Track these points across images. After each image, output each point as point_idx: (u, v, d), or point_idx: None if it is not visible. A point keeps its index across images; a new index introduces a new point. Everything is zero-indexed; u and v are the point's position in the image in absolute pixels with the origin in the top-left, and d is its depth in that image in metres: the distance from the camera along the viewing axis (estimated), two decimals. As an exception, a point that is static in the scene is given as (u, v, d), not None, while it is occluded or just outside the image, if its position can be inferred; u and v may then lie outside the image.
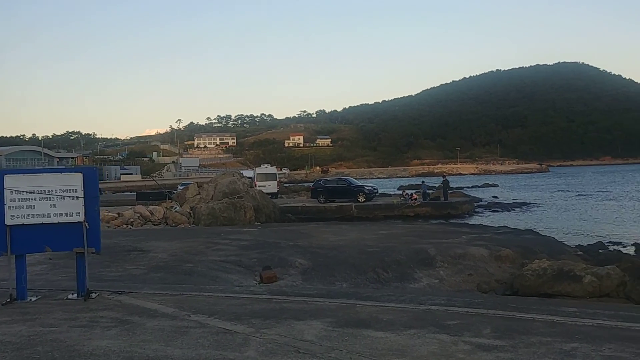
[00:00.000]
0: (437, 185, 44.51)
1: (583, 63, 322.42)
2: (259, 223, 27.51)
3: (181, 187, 40.74)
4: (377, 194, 40.11)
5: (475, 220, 33.60)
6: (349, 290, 10.30)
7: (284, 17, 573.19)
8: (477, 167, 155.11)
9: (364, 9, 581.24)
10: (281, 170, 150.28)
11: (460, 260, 14.76)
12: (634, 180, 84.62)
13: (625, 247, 20.73)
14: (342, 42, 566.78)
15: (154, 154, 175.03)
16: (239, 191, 30.16)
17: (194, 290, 8.54)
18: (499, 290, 13.25)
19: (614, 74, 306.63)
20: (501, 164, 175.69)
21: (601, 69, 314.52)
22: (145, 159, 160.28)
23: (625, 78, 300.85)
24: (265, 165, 52.92)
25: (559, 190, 63.74)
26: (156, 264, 13.54)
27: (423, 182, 40.58)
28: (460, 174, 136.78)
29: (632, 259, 14.85)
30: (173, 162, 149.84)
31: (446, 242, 16.65)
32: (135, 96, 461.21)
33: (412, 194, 38.00)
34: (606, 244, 20.99)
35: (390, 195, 46.38)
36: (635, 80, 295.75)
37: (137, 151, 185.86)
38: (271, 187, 44.27)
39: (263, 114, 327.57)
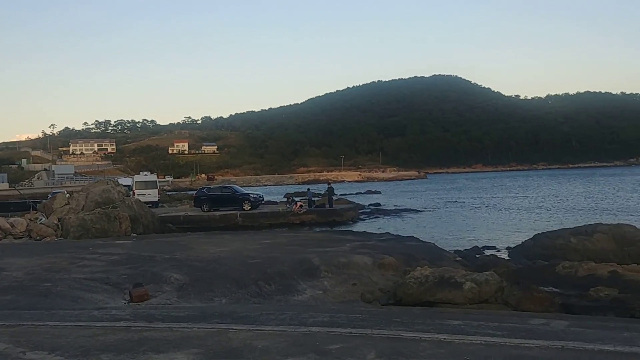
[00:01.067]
0: (322, 193, 44.58)
1: (456, 76, 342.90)
2: (135, 235, 25.77)
3: (51, 197, 37.67)
4: (263, 202, 39.44)
5: (359, 227, 33.89)
6: (226, 310, 9.48)
7: (165, 23, 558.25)
8: (360, 175, 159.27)
9: (250, 17, 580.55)
10: (164, 177, 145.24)
11: (344, 269, 14.41)
12: (504, 186, 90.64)
13: (499, 251, 21.55)
14: (227, 49, 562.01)
15: (24, 160, 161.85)
16: (114, 200, 28.15)
17: (39, 318, 7.32)
18: (382, 299, 13.00)
19: (484, 87, 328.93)
20: (383, 172, 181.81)
21: (472, 82, 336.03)
22: (13, 166, 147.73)
23: (494, 91, 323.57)
24: (145, 172, 50.44)
25: (439, 198, 66.42)
26: (8, 284, 11.94)
27: (308, 189, 40.52)
28: (345, 181, 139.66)
29: (507, 264, 15.29)
30: (45, 169, 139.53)
31: (330, 251, 16.28)
32: (3, 99, 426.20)
33: (297, 202, 37.71)
34: (482, 249, 21.71)
35: (276, 202, 45.90)
36: (503, 93, 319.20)
37: (4, 158, 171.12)
38: (151, 195, 42.20)
39: (145, 120, 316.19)
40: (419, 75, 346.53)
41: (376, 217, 39.47)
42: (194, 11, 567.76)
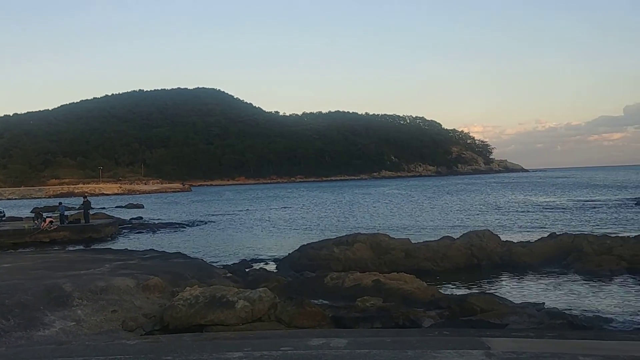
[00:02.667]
0: (77, 207, 40.64)
1: (219, 90, 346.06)
2: None
3: None
4: (4, 218, 34.46)
5: (120, 244, 31.48)
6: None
7: None
8: (120, 187, 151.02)
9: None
10: None
11: (103, 294, 12.73)
12: (267, 197, 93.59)
13: (267, 263, 21.52)
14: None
15: None
16: None
17: None
18: (147, 326, 11.71)
19: (246, 102, 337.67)
20: (145, 184, 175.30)
21: (235, 97, 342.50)
22: None
23: (255, 106, 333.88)
24: None
25: (205, 211, 65.64)
26: None
27: (60, 203, 36.49)
28: (104, 194, 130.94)
29: (277, 278, 15.10)
30: None
31: (86, 274, 14.36)
32: None
33: (47, 217, 33.64)
34: (250, 262, 21.47)
35: (21, 219, 40.58)
36: (264, 109, 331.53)
37: None
38: None
39: None
40: (182, 87, 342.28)
41: (139, 233, 37.16)
42: None
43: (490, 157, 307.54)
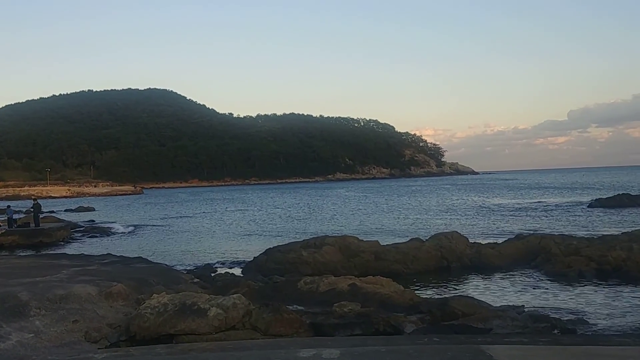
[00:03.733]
0: (25, 210, 38.83)
1: (172, 91, 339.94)
2: None
3: None
4: (-57, 223, 32.51)
5: (73, 248, 30.16)
6: None
7: None
8: (69, 190, 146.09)
9: None
10: None
11: (62, 303, 11.87)
12: (223, 200, 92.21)
13: (232, 267, 20.84)
14: None
15: None
16: None
17: None
18: (112, 337, 10.96)
19: (199, 103, 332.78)
20: (95, 186, 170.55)
21: (188, 98, 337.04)
22: None
23: (208, 108, 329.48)
24: None
25: (158, 213, 64.10)
26: None
27: (9, 206, 34.70)
28: (52, 197, 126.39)
29: (248, 283, 14.49)
30: None
31: (43, 281, 13.43)
32: None
33: (-7, 222, 31.99)
34: (214, 266, 20.74)
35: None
36: (217, 111, 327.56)
37: None
38: None
39: None
40: (133, 87, 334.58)
41: (93, 237, 35.71)
42: None
43: (442, 159, 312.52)
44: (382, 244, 19.79)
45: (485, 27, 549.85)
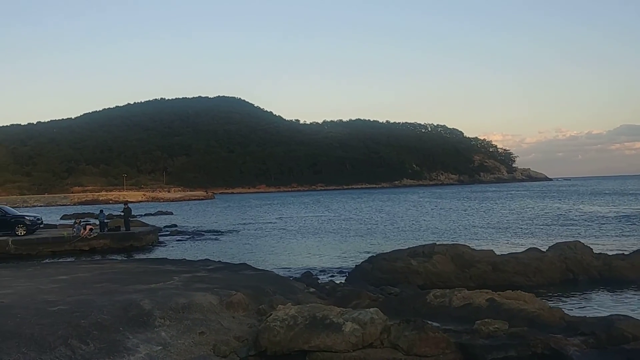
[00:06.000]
0: (116, 214, 39.52)
1: (240, 98, 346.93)
2: None
3: None
4: (41, 226, 33.37)
5: (162, 252, 30.21)
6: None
7: None
8: (145, 195, 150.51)
9: (20, 24, 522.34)
10: None
11: (186, 313, 11.21)
12: (296, 205, 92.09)
13: (333, 275, 19.94)
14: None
15: None
16: None
17: None
18: (241, 351, 10.18)
19: (267, 110, 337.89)
20: (168, 191, 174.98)
21: (255, 105, 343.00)
22: None
23: (275, 115, 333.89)
24: None
25: (235, 218, 64.32)
26: None
27: (101, 210, 35.31)
28: (128, 202, 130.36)
29: (368, 294, 13.49)
30: None
31: (159, 288, 12.88)
32: None
33: (87, 225, 32.48)
34: (315, 274, 19.87)
35: (56, 226, 39.62)
36: (284, 117, 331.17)
37: None
38: None
39: None
40: (203, 95, 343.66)
41: (179, 241, 35.82)
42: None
43: (513, 165, 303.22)
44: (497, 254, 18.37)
45: (558, 32, 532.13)
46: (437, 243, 19.47)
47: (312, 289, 14.21)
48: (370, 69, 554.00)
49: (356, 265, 19.75)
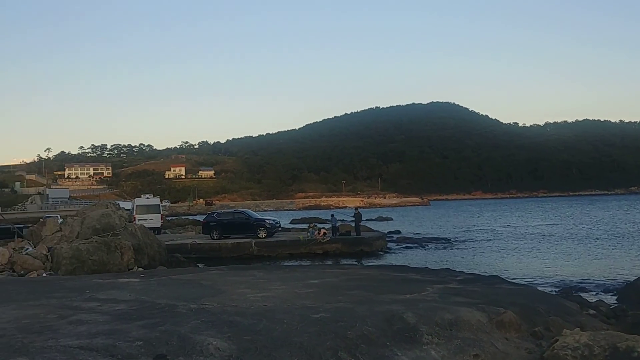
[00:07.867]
0: (346, 220, 40.35)
1: (454, 103, 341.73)
2: (141, 269, 21.37)
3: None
4: (279, 229, 35.29)
5: (391, 258, 29.78)
6: None
7: (161, 44, 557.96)
8: (362, 201, 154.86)
9: (244, 38, 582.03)
10: (162, 202, 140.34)
11: (454, 331, 10.08)
12: (517, 212, 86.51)
13: (596, 293, 17.25)
14: (224, 72, 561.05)
15: (17, 184, 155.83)
16: (115, 226, 23.82)
17: None
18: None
19: (482, 114, 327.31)
20: (384, 197, 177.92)
21: (470, 109, 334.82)
22: (6, 189, 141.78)
23: (491, 118, 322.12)
24: (147, 195, 45.40)
25: (458, 225, 62.17)
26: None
27: (332, 215, 36.25)
28: (347, 207, 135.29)
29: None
30: (39, 193, 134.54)
31: (416, 299, 11.97)
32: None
33: (321, 229, 33.50)
34: (573, 290, 17.40)
35: (289, 230, 41.78)
36: (501, 121, 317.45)
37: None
38: (154, 221, 38.01)
39: (142, 144, 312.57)
40: (416, 102, 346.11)
41: (407, 247, 35.20)
42: (188, 33, 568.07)
43: None
44: None
45: None
46: None
47: (591, 311, 12.09)
48: (598, 65, 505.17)
49: (627, 282, 16.85)
